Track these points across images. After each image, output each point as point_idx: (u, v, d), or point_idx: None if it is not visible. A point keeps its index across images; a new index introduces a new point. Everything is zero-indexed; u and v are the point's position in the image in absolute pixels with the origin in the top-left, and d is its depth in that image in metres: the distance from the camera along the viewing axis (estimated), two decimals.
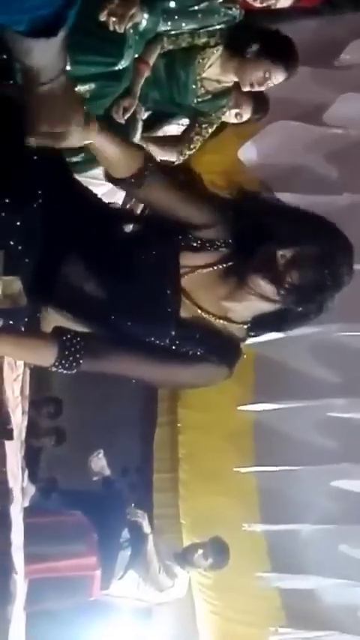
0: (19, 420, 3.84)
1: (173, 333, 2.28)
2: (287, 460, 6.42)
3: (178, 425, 7.06)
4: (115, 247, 2.32)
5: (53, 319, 2.31)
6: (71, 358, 2.18)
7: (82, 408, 7.38)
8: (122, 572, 5.50)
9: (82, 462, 5.90)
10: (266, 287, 2.23)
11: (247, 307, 2.33)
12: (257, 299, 2.28)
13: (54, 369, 2.20)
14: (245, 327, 2.37)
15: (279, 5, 3.84)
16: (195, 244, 2.33)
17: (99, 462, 5.79)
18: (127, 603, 5.95)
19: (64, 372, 2.21)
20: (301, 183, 6.14)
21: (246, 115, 4.26)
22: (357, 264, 2.29)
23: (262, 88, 3.89)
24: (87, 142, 2.15)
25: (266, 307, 2.31)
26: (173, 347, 2.29)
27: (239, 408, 6.60)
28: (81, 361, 2.19)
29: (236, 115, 4.22)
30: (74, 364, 2.19)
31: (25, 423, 4.23)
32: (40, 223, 2.22)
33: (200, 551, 5.81)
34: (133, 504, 5.76)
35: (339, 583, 6.34)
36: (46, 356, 2.19)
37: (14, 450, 3.66)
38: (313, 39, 5.81)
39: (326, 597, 6.48)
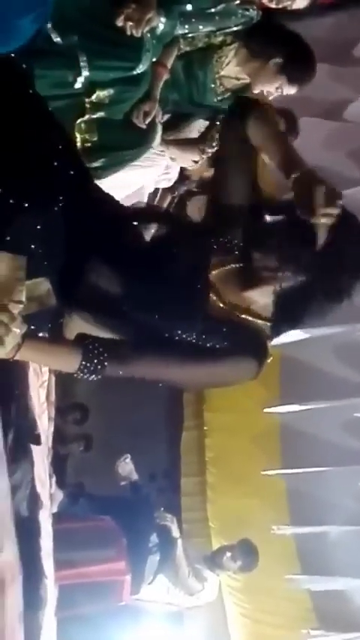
0: (45, 426, 3.85)
1: (200, 326, 2.28)
2: (315, 461, 6.40)
3: (205, 428, 7.06)
4: (137, 245, 2.33)
5: (76, 326, 2.32)
6: (95, 362, 2.19)
7: (109, 414, 7.39)
8: (152, 576, 5.49)
9: (110, 467, 5.90)
10: (266, 257, 2.24)
11: (263, 294, 2.31)
12: (266, 279, 2.27)
13: (78, 375, 2.21)
14: (269, 324, 2.36)
15: (295, 6, 3.83)
16: (225, 245, 2.34)
17: (126, 467, 5.79)
18: (157, 608, 5.94)
19: (89, 377, 2.22)
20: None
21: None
22: None
23: (270, 97, 3.89)
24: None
25: (278, 287, 2.28)
26: (200, 342, 2.29)
27: (265, 410, 6.59)
28: (105, 365, 2.20)
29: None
30: (98, 369, 2.20)
31: (52, 429, 4.23)
32: (61, 227, 2.23)
33: (229, 554, 5.80)
34: (162, 508, 5.76)
35: None
36: (70, 362, 2.20)
37: (41, 456, 3.67)
38: (331, 36, 5.80)
39: (357, 598, 6.44)
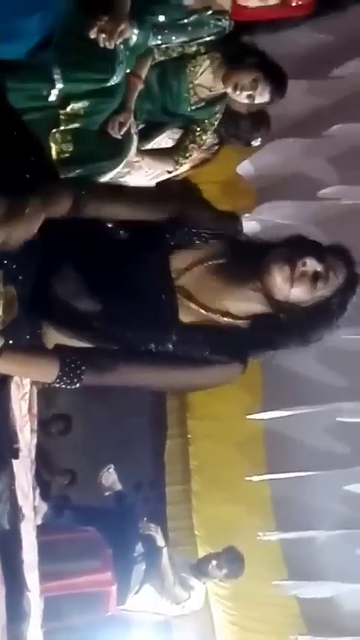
0: (27, 439, 3.84)
1: (174, 337, 2.27)
2: (299, 466, 6.41)
3: (189, 436, 7.06)
4: (105, 260, 2.33)
5: (55, 336, 2.33)
6: (72, 374, 2.19)
7: (92, 425, 7.38)
8: (138, 586, 5.48)
9: (94, 478, 5.89)
10: (279, 282, 2.23)
11: (244, 303, 2.33)
12: (258, 298, 2.29)
13: (56, 384, 2.22)
14: (249, 322, 2.35)
15: (257, 101, 3.91)
16: (184, 239, 2.34)
17: (110, 477, 5.78)
18: (144, 617, 5.92)
19: (67, 387, 2.22)
20: (300, 191, 6.15)
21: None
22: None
23: (244, 99, 3.91)
24: None
25: (260, 310, 2.31)
26: (178, 352, 2.28)
27: (248, 416, 6.60)
28: (83, 376, 2.20)
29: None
30: (76, 379, 2.20)
31: (35, 441, 4.23)
32: (34, 242, 2.23)
33: (214, 562, 5.79)
34: (145, 518, 5.75)
35: (357, 588, 6.32)
36: (48, 372, 2.21)
37: (24, 469, 3.66)
38: (305, 50, 5.85)
39: (345, 603, 6.45)
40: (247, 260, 2.32)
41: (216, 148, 4.49)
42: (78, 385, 2.22)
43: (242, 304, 2.33)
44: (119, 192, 2.47)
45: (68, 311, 2.30)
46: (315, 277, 2.23)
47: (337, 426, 6.32)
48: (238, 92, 3.90)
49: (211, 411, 6.73)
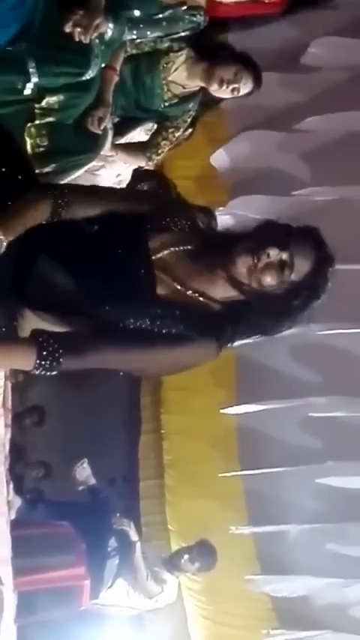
0: (1, 433, 3.84)
1: (152, 311, 2.29)
2: (272, 461, 6.42)
3: (162, 431, 7.06)
4: (83, 237, 2.35)
5: (29, 326, 2.33)
6: (50, 358, 2.19)
7: (66, 418, 7.37)
8: (111, 580, 5.49)
9: (67, 473, 5.89)
10: (242, 270, 2.28)
11: (218, 289, 2.37)
12: (230, 285, 2.33)
13: (35, 371, 2.21)
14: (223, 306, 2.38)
15: (242, 92, 3.95)
16: (162, 224, 2.38)
17: (83, 472, 5.78)
18: (118, 611, 5.95)
19: (46, 373, 2.21)
20: (273, 186, 6.17)
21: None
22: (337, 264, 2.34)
23: (229, 93, 3.93)
24: None
25: (234, 295, 2.35)
26: (155, 328, 2.29)
27: (222, 410, 6.61)
28: (61, 360, 2.20)
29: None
30: (54, 364, 2.19)
31: (9, 435, 4.23)
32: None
33: (186, 556, 5.81)
34: (117, 514, 5.75)
35: (329, 582, 6.34)
36: (25, 359, 2.21)
37: None
38: (277, 44, 5.87)
39: (317, 597, 6.48)
40: (217, 250, 2.36)
41: (189, 130, 4.47)
42: (56, 370, 2.21)
43: (217, 289, 2.37)
44: (97, 195, 2.48)
45: (46, 291, 2.30)
46: (281, 265, 2.27)
47: (309, 420, 6.34)
48: (223, 87, 3.91)
49: (185, 405, 6.73)
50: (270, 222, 2.38)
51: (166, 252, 2.37)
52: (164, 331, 2.29)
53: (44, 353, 2.18)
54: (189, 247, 2.38)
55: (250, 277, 2.28)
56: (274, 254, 2.26)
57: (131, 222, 2.37)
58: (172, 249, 2.37)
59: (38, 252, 2.30)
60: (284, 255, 2.27)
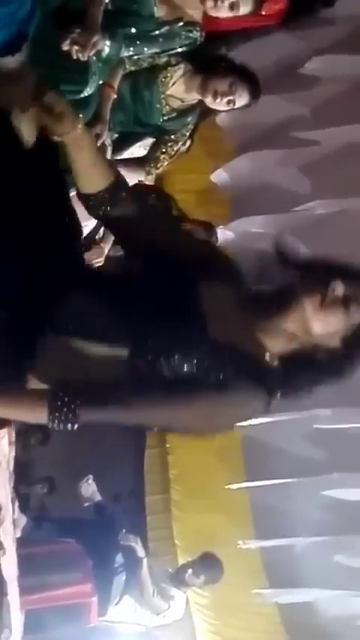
0: (5, 451, 3.82)
1: (204, 347, 2.04)
2: (277, 474, 6.42)
3: (167, 445, 7.05)
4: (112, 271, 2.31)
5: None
6: (65, 409, 1.99)
7: (71, 434, 7.34)
8: (118, 597, 5.47)
9: (73, 489, 5.88)
10: (309, 312, 2.07)
11: (277, 339, 2.16)
12: (289, 337, 2.13)
13: (50, 424, 2.01)
14: (276, 362, 2.17)
15: (238, 105, 3.93)
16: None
17: (89, 488, 5.77)
18: (125, 628, 5.91)
19: (63, 426, 2.01)
20: (274, 200, 6.18)
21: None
22: None
23: (224, 106, 3.94)
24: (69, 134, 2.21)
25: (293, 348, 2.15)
26: (197, 372, 2.04)
27: None
28: (77, 411, 1.99)
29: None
30: (70, 415, 1.99)
31: (13, 453, 4.21)
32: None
33: (190, 570, 5.77)
34: (124, 530, 5.72)
35: (337, 594, 6.34)
36: (38, 411, 2.02)
37: (3, 481, 3.64)
38: (275, 58, 5.90)
39: (325, 609, 6.46)
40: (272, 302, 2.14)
41: (188, 144, 4.45)
42: (75, 425, 2.01)
43: (274, 341, 2.16)
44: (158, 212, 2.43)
45: (83, 322, 2.12)
46: (346, 301, 2.07)
47: (315, 433, 6.34)
48: (218, 99, 3.93)
49: None
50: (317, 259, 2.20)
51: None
52: (209, 376, 2.04)
53: (58, 402, 1.99)
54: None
55: (315, 317, 2.07)
56: (339, 289, 2.07)
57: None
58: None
59: (75, 282, 2.17)
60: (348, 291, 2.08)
